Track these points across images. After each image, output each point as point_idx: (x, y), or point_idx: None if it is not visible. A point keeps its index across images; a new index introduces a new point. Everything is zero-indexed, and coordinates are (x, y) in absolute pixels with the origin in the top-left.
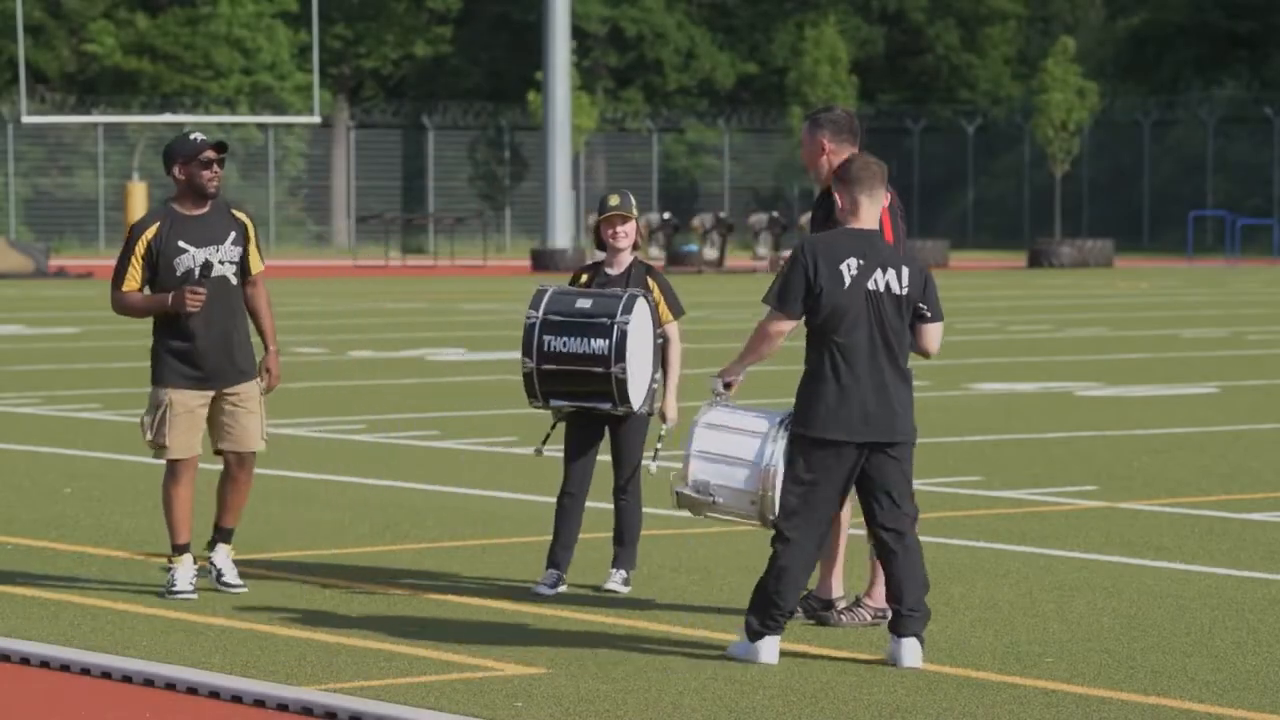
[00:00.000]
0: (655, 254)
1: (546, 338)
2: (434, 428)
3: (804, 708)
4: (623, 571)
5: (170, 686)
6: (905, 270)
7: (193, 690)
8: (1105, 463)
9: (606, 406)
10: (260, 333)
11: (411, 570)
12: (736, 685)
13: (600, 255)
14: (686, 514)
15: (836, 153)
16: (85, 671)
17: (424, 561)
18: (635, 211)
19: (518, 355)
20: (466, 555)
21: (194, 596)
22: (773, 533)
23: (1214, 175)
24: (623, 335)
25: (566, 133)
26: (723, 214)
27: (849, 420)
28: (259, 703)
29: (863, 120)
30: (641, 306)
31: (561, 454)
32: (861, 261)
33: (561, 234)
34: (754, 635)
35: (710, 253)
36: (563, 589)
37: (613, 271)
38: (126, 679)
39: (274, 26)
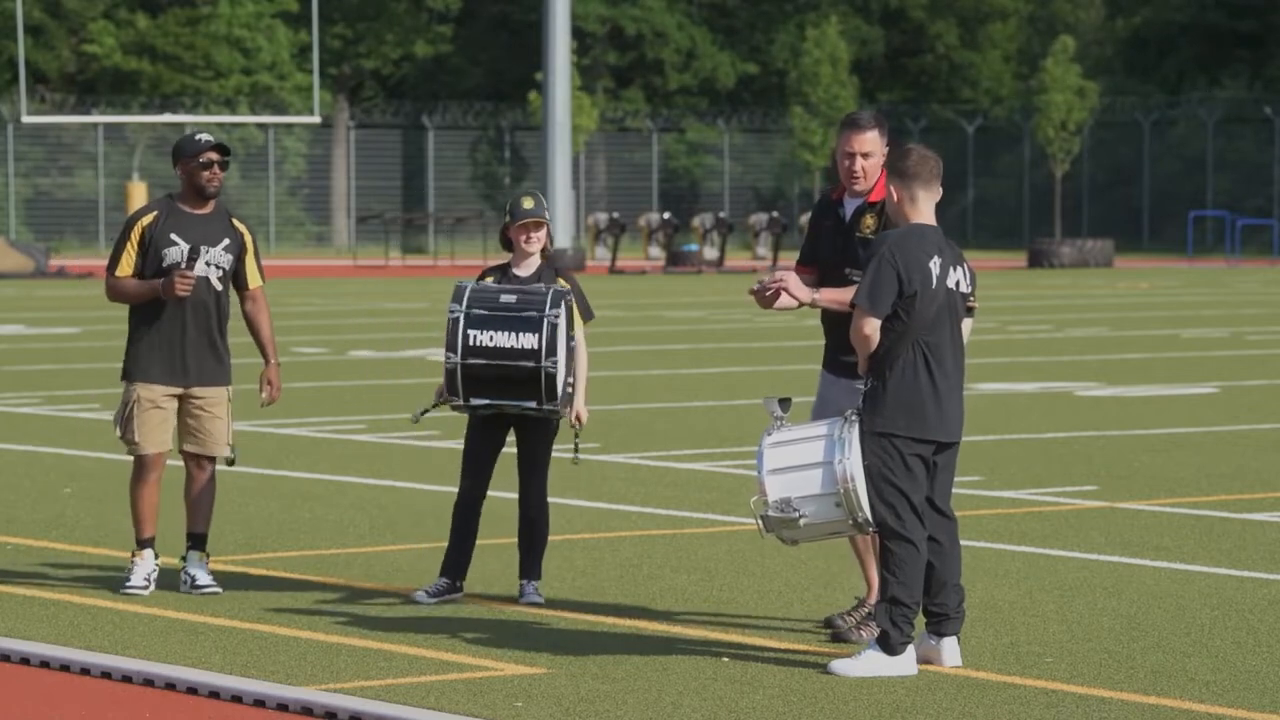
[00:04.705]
0: (655, 254)
1: (472, 332)
2: (434, 428)
3: (804, 708)
4: (536, 581)
5: (170, 686)
6: (965, 267)
7: (193, 690)
8: (1105, 463)
9: (530, 405)
10: (260, 346)
11: (411, 570)
12: (736, 685)
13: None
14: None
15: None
16: (85, 671)
17: (424, 561)
18: (548, 216)
19: None
20: None
21: (146, 593)
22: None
23: (1214, 175)
24: (553, 329)
25: (566, 133)
26: (723, 214)
27: (943, 420)
28: (259, 703)
29: None
30: (565, 305)
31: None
32: (940, 259)
33: (561, 234)
34: (894, 648)
35: (710, 253)
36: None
37: (522, 274)
38: (126, 679)
39: (274, 26)
